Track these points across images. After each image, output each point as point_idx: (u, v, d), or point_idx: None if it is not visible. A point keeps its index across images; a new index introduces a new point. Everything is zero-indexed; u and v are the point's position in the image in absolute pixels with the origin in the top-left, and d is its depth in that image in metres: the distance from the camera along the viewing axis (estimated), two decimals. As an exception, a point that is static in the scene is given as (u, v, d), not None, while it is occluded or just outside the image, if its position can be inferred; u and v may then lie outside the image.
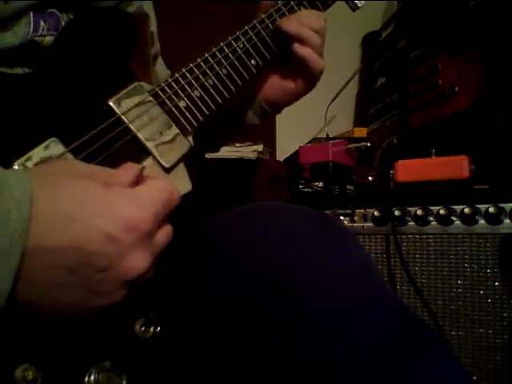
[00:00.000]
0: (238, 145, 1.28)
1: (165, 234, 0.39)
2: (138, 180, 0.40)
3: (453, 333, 0.81)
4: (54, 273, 0.34)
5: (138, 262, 0.36)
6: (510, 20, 0.95)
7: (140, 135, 0.49)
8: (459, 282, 0.81)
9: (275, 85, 0.70)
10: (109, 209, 0.35)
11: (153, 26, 0.71)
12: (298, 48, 0.64)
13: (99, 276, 0.35)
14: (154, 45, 0.71)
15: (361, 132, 1.38)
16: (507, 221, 0.78)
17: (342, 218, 0.93)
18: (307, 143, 1.20)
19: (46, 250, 0.33)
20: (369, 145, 1.14)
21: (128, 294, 0.37)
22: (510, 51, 0.94)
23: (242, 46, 0.62)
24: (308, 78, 0.68)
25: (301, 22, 0.64)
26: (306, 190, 1.06)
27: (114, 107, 0.49)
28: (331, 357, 0.38)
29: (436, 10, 1.19)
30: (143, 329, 0.44)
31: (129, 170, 0.40)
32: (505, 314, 0.77)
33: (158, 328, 0.45)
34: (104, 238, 0.34)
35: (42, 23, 0.52)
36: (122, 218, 0.35)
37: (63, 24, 0.54)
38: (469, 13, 1.06)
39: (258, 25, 0.64)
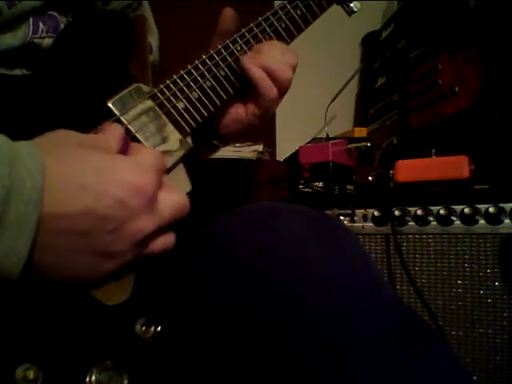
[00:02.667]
0: (237, 145, 1.28)
1: (170, 201, 0.41)
2: (125, 143, 0.42)
3: (453, 333, 0.81)
4: (67, 238, 0.36)
5: (143, 223, 0.38)
6: (510, 20, 0.95)
7: (139, 136, 0.50)
8: (459, 281, 0.81)
9: (226, 114, 0.65)
10: (116, 175, 0.37)
11: (154, 38, 0.71)
12: (254, 70, 0.60)
13: (109, 238, 0.37)
14: (153, 54, 0.70)
15: (361, 132, 1.38)
16: (507, 221, 0.78)
17: (342, 217, 0.93)
18: (307, 143, 1.20)
19: (59, 217, 0.35)
20: (369, 145, 1.14)
21: (136, 256, 0.39)
22: (510, 51, 0.94)
23: (239, 48, 0.61)
24: (259, 105, 0.63)
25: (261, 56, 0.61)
26: (306, 190, 1.06)
27: (112, 108, 0.49)
28: (331, 357, 0.38)
29: (436, 10, 1.19)
30: (144, 328, 0.44)
31: (113, 131, 0.42)
32: (505, 314, 0.77)
33: (159, 328, 0.45)
34: (114, 202, 0.36)
35: (41, 25, 0.52)
36: (129, 183, 0.37)
37: (62, 26, 0.54)
38: (469, 13, 1.06)
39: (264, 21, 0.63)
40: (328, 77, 1.53)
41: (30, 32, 0.51)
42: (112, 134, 0.42)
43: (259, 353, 0.42)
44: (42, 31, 0.52)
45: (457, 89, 1.04)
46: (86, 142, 0.39)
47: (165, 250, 0.41)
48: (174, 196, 0.41)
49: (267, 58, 0.61)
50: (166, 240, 0.41)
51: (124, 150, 0.42)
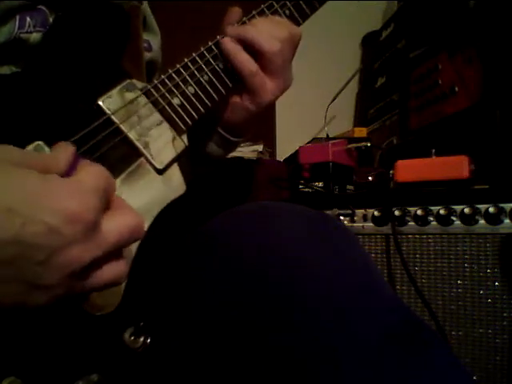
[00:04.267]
0: (237, 145, 1.28)
1: (115, 224, 0.36)
2: (75, 162, 0.37)
3: (453, 333, 0.81)
4: None
5: (77, 253, 0.33)
6: (510, 20, 0.95)
7: (131, 136, 0.47)
8: (459, 282, 0.81)
9: (225, 102, 0.62)
10: (49, 200, 0.33)
11: (156, 38, 0.70)
12: (223, 41, 0.57)
13: (38, 268, 0.33)
14: (154, 52, 0.69)
15: (361, 132, 1.38)
16: (507, 221, 0.78)
17: (341, 217, 0.93)
18: (307, 143, 1.20)
19: None
20: (369, 145, 1.14)
21: (73, 289, 0.35)
22: (510, 51, 0.94)
23: None
24: (246, 84, 0.59)
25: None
26: (306, 190, 1.06)
27: (103, 107, 0.47)
28: (331, 357, 0.38)
29: (436, 10, 1.19)
30: (133, 338, 0.42)
31: (64, 151, 0.37)
32: (505, 314, 0.77)
33: (149, 339, 0.43)
34: (44, 229, 0.32)
35: (28, 19, 0.50)
36: (63, 209, 0.33)
37: (51, 20, 0.52)
38: (469, 13, 1.05)
39: None
40: (328, 77, 1.53)
41: (16, 27, 0.49)
42: (61, 152, 0.37)
43: (259, 353, 0.42)
44: (29, 25, 0.50)
45: (457, 89, 1.04)
46: (23, 162, 0.35)
47: (113, 282, 0.36)
48: (123, 218, 0.36)
49: (251, 28, 0.57)
50: (114, 270, 0.36)
51: (71, 170, 0.37)
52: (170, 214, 0.48)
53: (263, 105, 0.60)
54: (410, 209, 0.87)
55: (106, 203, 0.36)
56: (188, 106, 0.54)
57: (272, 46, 0.57)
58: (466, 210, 0.81)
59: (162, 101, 0.51)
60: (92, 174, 0.36)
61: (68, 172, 0.36)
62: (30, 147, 0.42)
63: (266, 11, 0.62)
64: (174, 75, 0.53)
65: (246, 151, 1.27)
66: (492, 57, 0.97)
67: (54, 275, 0.33)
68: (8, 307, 0.34)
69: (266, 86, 0.59)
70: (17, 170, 0.34)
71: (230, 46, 0.57)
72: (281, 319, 0.41)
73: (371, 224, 0.90)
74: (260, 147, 1.31)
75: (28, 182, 0.33)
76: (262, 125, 0.72)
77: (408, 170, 0.89)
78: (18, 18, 0.50)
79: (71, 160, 0.37)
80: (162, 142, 0.50)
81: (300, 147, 1.12)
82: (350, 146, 1.13)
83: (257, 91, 0.59)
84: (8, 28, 0.49)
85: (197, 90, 0.55)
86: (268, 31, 0.57)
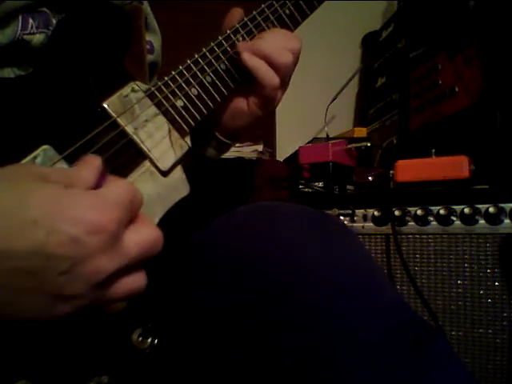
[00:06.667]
0: (237, 145, 1.28)
1: (137, 237, 0.36)
2: (101, 178, 0.38)
3: (453, 333, 0.81)
4: (14, 277, 0.33)
5: (101, 264, 0.34)
6: (510, 20, 0.95)
7: (136, 138, 0.48)
8: (459, 282, 0.81)
9: (226, 108, 0.62)
10: (71, 211, 0.33)
11: (157, 38, 0.70)
12: (248, 58, 0.57)
13: (61, 279, 0.33)
14: (155, 54, 0.69)
15: (361, 132, 1.38)
16: (507, 221, 0.78)
17: (341, 218, 0.93)
18: (307, 143, 1.20)
19: (5, 254, 0.32)
20: (369, 145, 1.14)
21: (97, 299, 0.35)
22: (510, 51, 0.94)
23: (241, 39, 0.59)
24: (261, 95, 0.60)
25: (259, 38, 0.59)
26: (306, 190, 1.06)
27: (108, 110, 0.47)
28: (331, 357, 0.38)
29: (436, 10, 1.19)
30: (141, 339, 0.43)
31: (90, 167, 0.38)
32: (505, 314, 0.77)
33: (156, 341, 0.43)
34: (66, 240, 0.33)
35: (30, 21, 0.50)
36: (85, 220, 0.33)
37: (53, 21, 0.52)
38: (469, 13, 1.06)
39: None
40: (328, 77, 1.53)
41: (19, 28, 0.49)
42: (88, 167, 0.37)
43: (259, 353, 0.42)
44: (32, 27, 0.50)
45: (457, 89, 1.04)
46: (49, 177, 0.35)
47: (133, 292, 0.37)
48: (143, 232, 0.37)
49: (264, 43, 0.58)
50: (135, 281, 0.37)
51: (99, 184, 0.37)
52: (173, 216, 0.48)
53: (269, 110, 0.62)
54: (410, 209, 0.87)
55: (131, 217, 0.37)
56: (191, 108, 0.54)
57: (286, 59, 0.58)
58: (466, 210, 0.81)
59: (165, 103, 0.52)
60: (117, 188, 0.36)
61: (94, 187, 0.37)
62: (38, 152, 0.42)
63: (266, 11, 0.62)
64: (176, 77, 0.53)
65: (246, 151, 1.27)
66: (492, 57, 0.97)
67: (78, 285, 0.34)
68: (32, 320, 0.35)
69: (280, 94, 0.61)
70: (41, 183, 0.34)
71: (254, 61, 0.57)
72: (281, 320, 0.41)
73: (371, 224, 0.91)
74: (260, 147, 1.31)
75: (51, 194, 0.34)
76: (262, 125, 0.72)
77: (408, 169, 0.89)
78: (20, 19, 0.50)
79: (97, 175, 0.37)
80: (165, 144, 0.50)
81: (300, 147, 1.12)
82: (349, 146, 1.13)
83: (271, 101, 0.61)
84: (11, 29, 0.49)
85: (200, 91, 0.55)
86: (280, 44, 0.58)
